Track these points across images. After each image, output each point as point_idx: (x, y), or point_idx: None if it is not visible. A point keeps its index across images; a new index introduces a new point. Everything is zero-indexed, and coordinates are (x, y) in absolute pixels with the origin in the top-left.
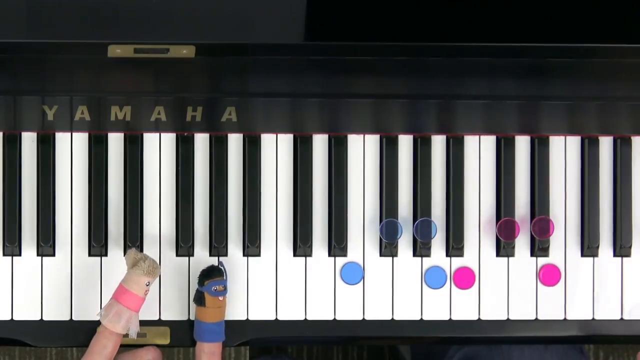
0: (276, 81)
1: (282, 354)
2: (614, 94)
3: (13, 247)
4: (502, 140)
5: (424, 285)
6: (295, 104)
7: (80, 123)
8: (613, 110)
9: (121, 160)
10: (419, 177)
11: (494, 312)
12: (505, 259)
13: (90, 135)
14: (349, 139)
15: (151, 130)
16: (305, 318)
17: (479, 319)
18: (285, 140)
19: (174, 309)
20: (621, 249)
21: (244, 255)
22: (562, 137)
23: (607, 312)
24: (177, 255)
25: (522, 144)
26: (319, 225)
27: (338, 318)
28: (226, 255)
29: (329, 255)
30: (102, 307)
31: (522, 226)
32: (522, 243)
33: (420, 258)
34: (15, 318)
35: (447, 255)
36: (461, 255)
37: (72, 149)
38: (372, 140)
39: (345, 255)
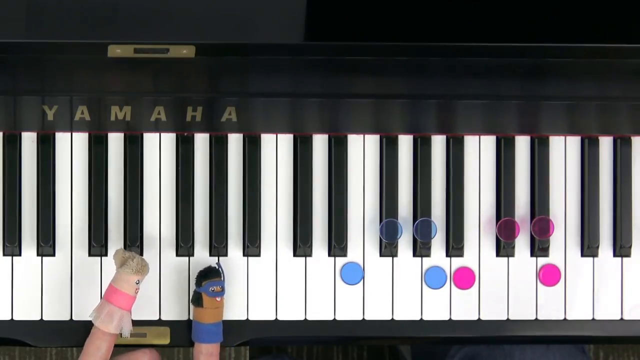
0: (276, 81)
1: (282, 354)
2: (614, 94)
3: (13, 247)
4: (502, 140)
5: (424, 285)
6: (295, 104)
7: (80, 123)
8: (613, 110)
9: (121, 160)
10: (419, 177)
11: (494, 312)
12: (505, 259)
13: (90, 135)
14: (349, 139)
15: (151, 130)
16: (305, 318)
17: (479, 319)
18: (285, 140)
19: (174, 309)
20: (621, 249)
21: (244, 255)
22: (562, 137)
23: (607, 312)
24: (177, 255)
25: (522, 144)
26: (319, 225)
27: (338, 318)
28: (226, 255)
29: (329, 255)
30: (94, 308)
31: (522, 226)
32: (522, 243)
33: (420, 258)
34: (15, 318)
35: (447, 255)
36: (461, 255)
37: (72, 149)
38: (372, 140)
39: (345, 255)
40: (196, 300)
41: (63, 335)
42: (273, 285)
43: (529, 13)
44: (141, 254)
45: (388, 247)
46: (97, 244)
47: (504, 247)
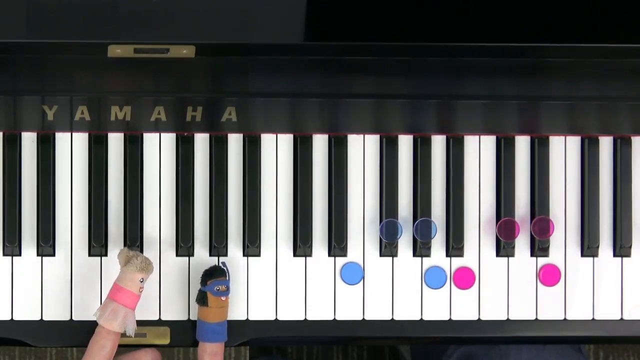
0: (276, 81)
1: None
2: (614, 94)
3: (13, 247)
4: (502, 140)
5: (424, 285)
6: (295, 104)
7: (80, 123)
8: (613, 110)
9: (121, 160)
10: (419, 177)
11: (494, 312)
12: (505, 259)
13: (90, 135)
14: (349, 139)
15: (151, 130)
16: (305, 318)
17: (479, 319)
18: (285, 140)
19: (174, 309)
20: (621, 249)
21: (244, 255)
22: (562, 137)
23: (607, 312)
24: (177, 255)
25: (522, 144)
26: (319, 225)
27: (338, 318)
28: (226, 255)
29: (329, 255)
30: (98, 307)
31: (522, 226)
32: (522, 243)
33: (420, 258)
34: (15, 318)
35: (447, 255)
36: (461, 255)
37: (72, 149)
38: (372, 140)
39: (345, 255)
40: (201, 299)
41: (63, 335)
42: (273, 285)
43: (528, 13)
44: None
45: (388, 247)
46: (97, 244)
47: (504, 247)
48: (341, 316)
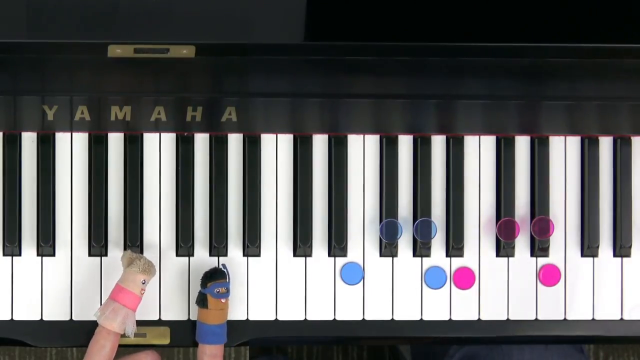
0: (276, 81)
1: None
2: (614, 94)
3: (13, 247)
4: (502, 140)
5: (424, 286)
6: (295, 104)
7: (80, 123)
8: (613, 110)
9: (121, 160)
10: (419, 177)
11: (494, 312)
12: (505, 259)
13: (90, 135)
14: (349, 139)
15: (151, 130)
16: (305, 318)
17: (479, 319)
18: (285, 140)
19: (174, 309)
20: (621, 249)
21: (244, 255)
22: (562, 137)
23: (607, 312)
24: (177, 255)
25: (522, 144)
26: (319, 225)
27: (338, 318)
28: (226, 255)
29: (329, 255)
30: (99, 307)
31: (522, 226)
32: (522, 243)
33: (420, 258)
34: (15, 318)
35: (447, 255)
36: (461, 255)
37: (72, 149)
38: (372, 140)
39: (345, 255)
40: (201, 301)
41: (63, 335)
42: (273, 285)
43: (529, 13)
44: (141, 254)
45: (388, 247)
46: (97, 244)
47: (504, 247)
48: (341, 316)
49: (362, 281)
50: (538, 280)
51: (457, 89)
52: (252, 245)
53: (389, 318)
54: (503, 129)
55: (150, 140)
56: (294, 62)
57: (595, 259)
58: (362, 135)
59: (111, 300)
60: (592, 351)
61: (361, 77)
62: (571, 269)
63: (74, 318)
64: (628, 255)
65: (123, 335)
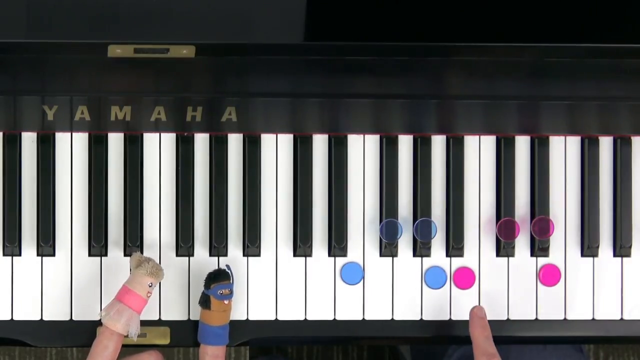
0: (276, 81)
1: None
2: (614, 94)
3: (13, 247)
4: (502, 140)
5: (424, 285)
6: (295, 104)
7: (80, 123)
8: (613, 110)
9: (121, 160)
10: (419, 177)
11: (494, 312)
12: (505, 259)
13: (90, 135)
14: (349, 139)
15: (151, 130)
16: (305, 318)
17: None
18: (285, 140)
19: (174, 309)
20: (621, 249)
21: (244, 255)
22: (562, 137)
23: (607, 312)
24: (177, 255)
25: (522, 144)
26: (319, 225)
27: (338, 318)
28: (226, 255)
29: (329, 255)
30: (104, 307)
31: (522, 226)
32: (522, 243)
33: (420, 258)
34: (15, 318)
35: (447, 255)
36: (461, 255)
37: (72, 149)
38: (372, 140)
39: (345, 255)
40: (204, 302)
41: (63, 335)
42: (273, 285)
43: (528, 13)
44: (141, 253)
45: (388, 247)
46: (97, 244)
47: (504, 247)
48: (341, 316)
49: (362, 281)
50: (538, 280)
51: (457, 89)
52: (252, 245)
53: (389, 318)
54: (503, 129)
55: (150, 140)
56: (294, 62)
57: (595, 259)
58: (362, 135)
59: (117, 300)
60: (592, 351)
61: (361, 77)
62: (571, 269)
63: (74, 318)
64: (628, 255)
65: (126, 336)
